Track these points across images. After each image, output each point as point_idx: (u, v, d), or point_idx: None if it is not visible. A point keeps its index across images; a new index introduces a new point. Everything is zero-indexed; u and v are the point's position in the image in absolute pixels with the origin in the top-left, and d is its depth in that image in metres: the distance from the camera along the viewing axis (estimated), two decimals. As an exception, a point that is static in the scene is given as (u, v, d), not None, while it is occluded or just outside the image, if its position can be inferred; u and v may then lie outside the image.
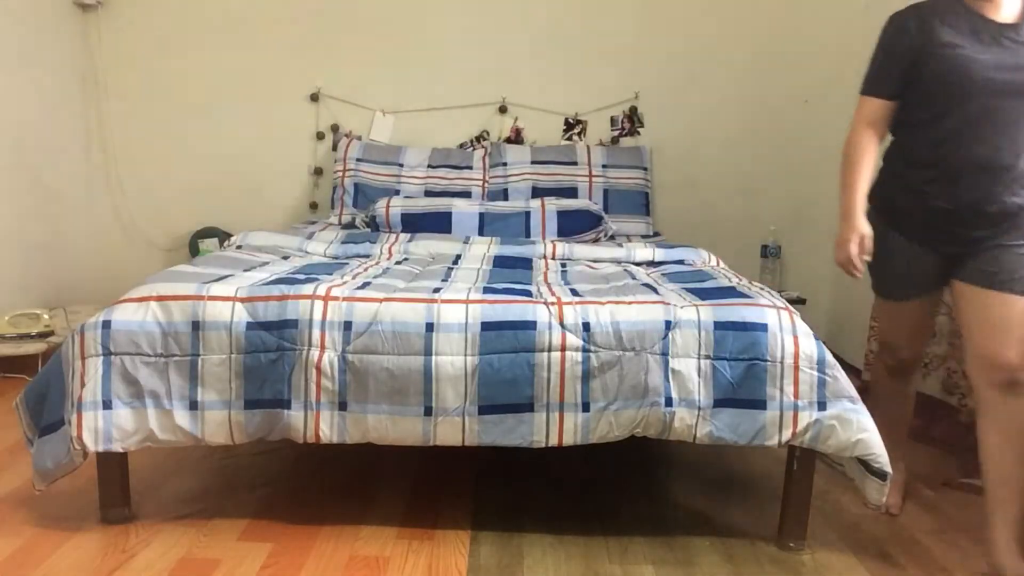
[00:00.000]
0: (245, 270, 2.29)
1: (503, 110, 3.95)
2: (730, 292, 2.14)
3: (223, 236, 3.90)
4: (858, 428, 1.89)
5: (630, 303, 2.00)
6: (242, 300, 1.97)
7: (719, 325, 1.95)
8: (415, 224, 3.42)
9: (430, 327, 1.94)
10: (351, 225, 3.65)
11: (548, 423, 1.92)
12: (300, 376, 1.92)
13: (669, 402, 1.91)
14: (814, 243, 4.01)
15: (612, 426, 1.92)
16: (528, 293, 2.11)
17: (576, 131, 3.97)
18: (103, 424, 1.89)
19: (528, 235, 3.43)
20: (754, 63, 3.91)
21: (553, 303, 1.99)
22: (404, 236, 2.99)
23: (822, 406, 1.91)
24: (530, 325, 1.93)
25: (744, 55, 3.91)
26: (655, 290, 2.15)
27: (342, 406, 1.93)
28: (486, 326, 1.94)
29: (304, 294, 1.98)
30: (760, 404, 1.91)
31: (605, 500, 2.31)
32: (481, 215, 3.48)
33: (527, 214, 3.49)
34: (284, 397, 1.92)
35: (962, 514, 2.29)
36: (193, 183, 3.98)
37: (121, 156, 3.95)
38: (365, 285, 2.13)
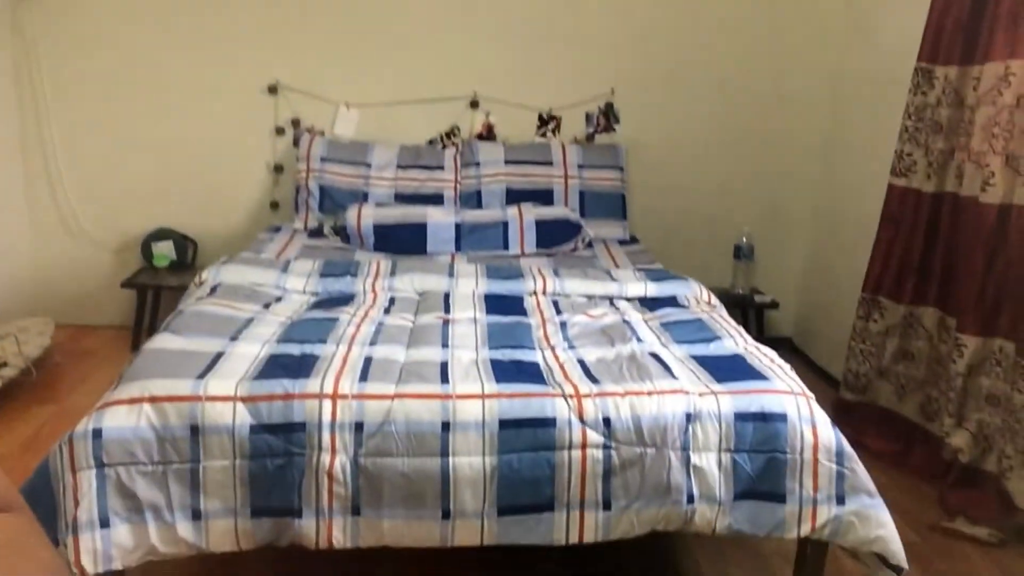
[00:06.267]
0: (232, 338, 2.16)
1: (474, 104, 3.78)
2: (742, 367, 2.11)
3: (178, 239, 3.68)
4: (876, 524, 1.90)
5: (649, 393, 1.95)
6: (243, 400, 1.85)
7: (739, 416, 1.92)
8: (388, 236, 3.33)
9: (446, 426, 1.86)
10: (318, 231, 3.50)
11: (568, 522, 1.88)
12: (311, 483, 1.82)
13: (691, 499, 1.89)
14: (786, 243, 4.02)
15: (634, 525, 1.90)
16: (538, 371, 2.05)
17: (550, 127, 3.83)
18: (102, 544, 1.77)
19: (506, 247, 3.36)
20: (732, 61, 3.80)
21: (572, 395, 1.92)
22: (385, 268, 2.86)
23: (840, 500, 1.91)
24: (550, 423, 1.87)
25: (722, 53, 3.79)
26: (667, 367, 2.09)
27: (355, 511, 1.84)
28: (504, 424, 1.87)
29: (311, 392, 1.87)
30: (780, 497, 1.91)
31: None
32: (457, 226, 3.39)
33: (504, 225, 3.41)
34: (294, 506, 1.83)
35: (951, 565, 2.36)
36: (144, 181, 3.72)
37: (63, 155, 3.64)
38: (368, 362, 2.04)
